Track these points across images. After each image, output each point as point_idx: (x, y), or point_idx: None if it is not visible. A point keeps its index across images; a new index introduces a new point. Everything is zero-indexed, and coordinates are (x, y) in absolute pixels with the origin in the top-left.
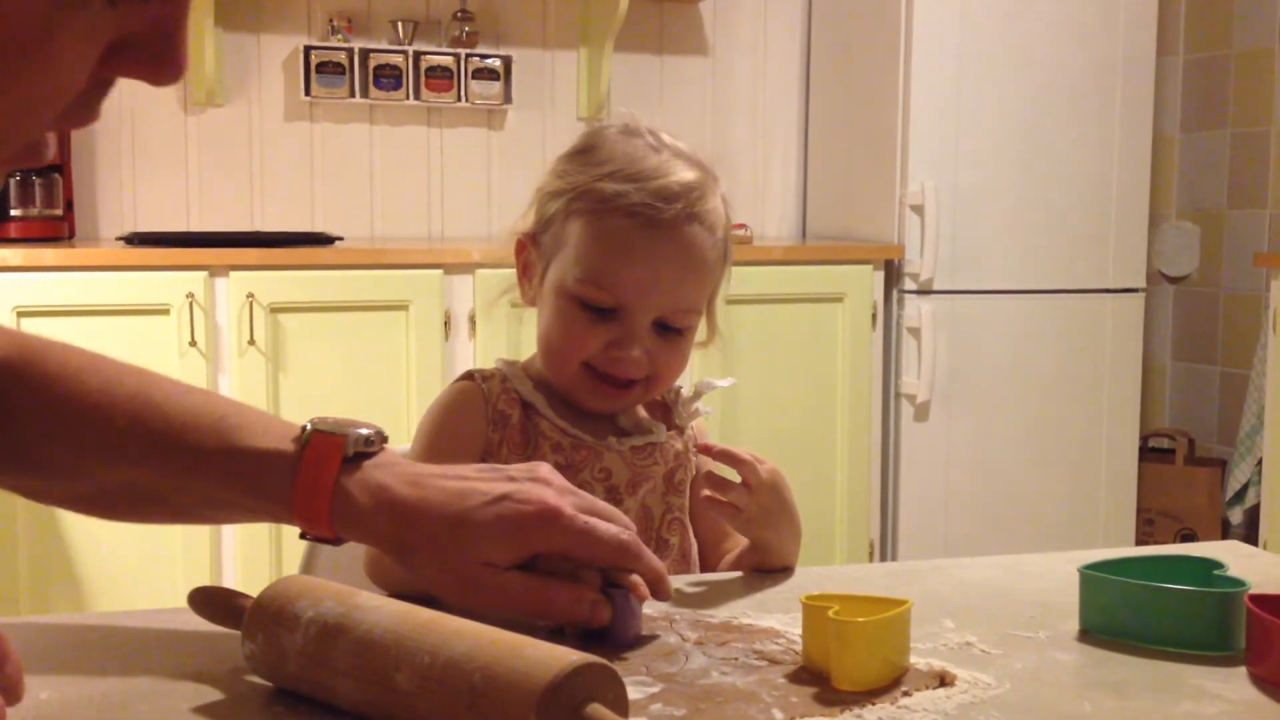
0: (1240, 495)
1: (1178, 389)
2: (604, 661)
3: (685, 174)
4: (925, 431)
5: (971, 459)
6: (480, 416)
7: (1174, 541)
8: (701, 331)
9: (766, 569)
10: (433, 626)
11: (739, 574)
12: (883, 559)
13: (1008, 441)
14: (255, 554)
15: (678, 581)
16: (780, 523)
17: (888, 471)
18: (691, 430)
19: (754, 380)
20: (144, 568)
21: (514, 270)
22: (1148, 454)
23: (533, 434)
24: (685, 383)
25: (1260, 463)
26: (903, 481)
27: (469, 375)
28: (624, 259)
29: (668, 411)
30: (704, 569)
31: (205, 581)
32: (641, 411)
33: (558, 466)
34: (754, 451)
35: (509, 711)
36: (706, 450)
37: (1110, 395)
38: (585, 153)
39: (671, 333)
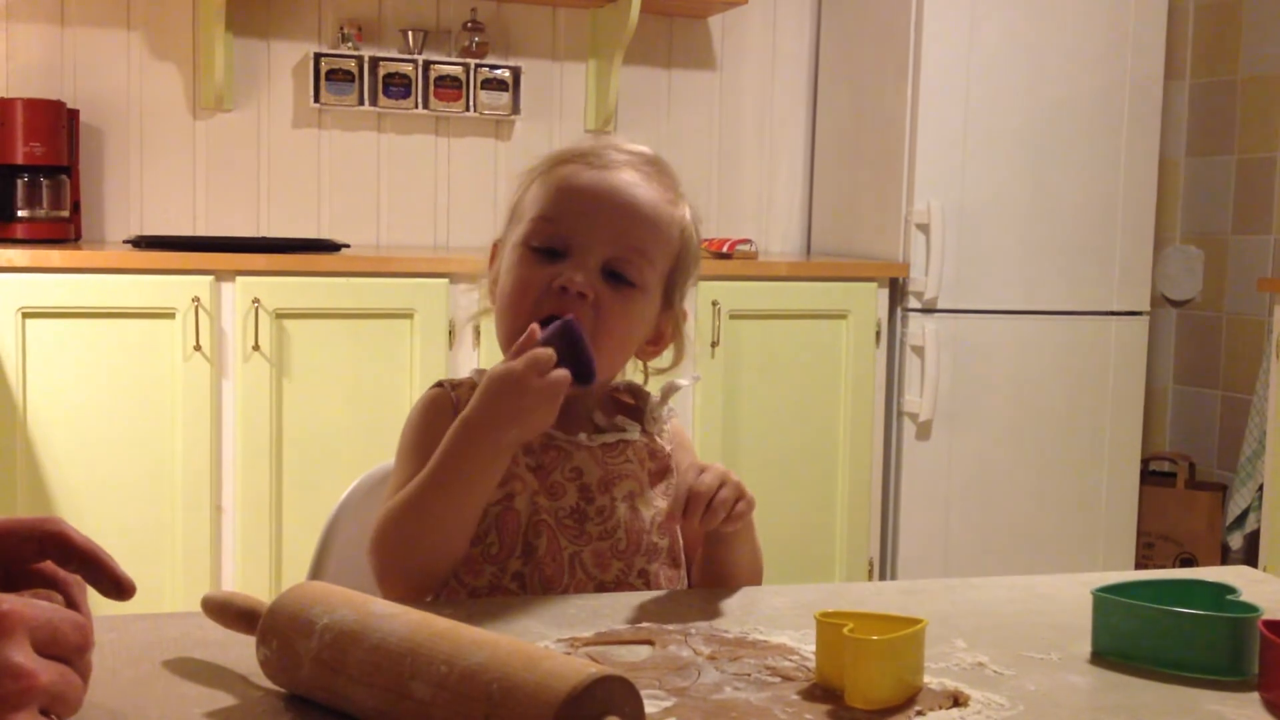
0: (1240, 520)
1: (1179, 413)
2: (622, 675)
3: (635, 148)
4: (927, 450)
5: (973, 479)
6: (451, 421)
7: (1173, 566)
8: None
9: (727, 563)
10: (449, 635)
11: (752, 589)
12: (882, 578)
13: (1009, 462)
14: (255, 557)
15: (691, 596)
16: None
17: (888, 490)
18: (667, 432)
19: (756, 396)
20: (145, 571)
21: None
22: (1148, 477)
23: None
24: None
25: (1261, 488)
26: (903, 500)
27: (439, 385)
28: (570, 193)
29: (640, 414)
30: (686, 564)
31: (206, 586)
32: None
33: (528, 468)
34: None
35: None
36: (678, 518)
37: (1112, 418)
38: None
39: (621, 284)
